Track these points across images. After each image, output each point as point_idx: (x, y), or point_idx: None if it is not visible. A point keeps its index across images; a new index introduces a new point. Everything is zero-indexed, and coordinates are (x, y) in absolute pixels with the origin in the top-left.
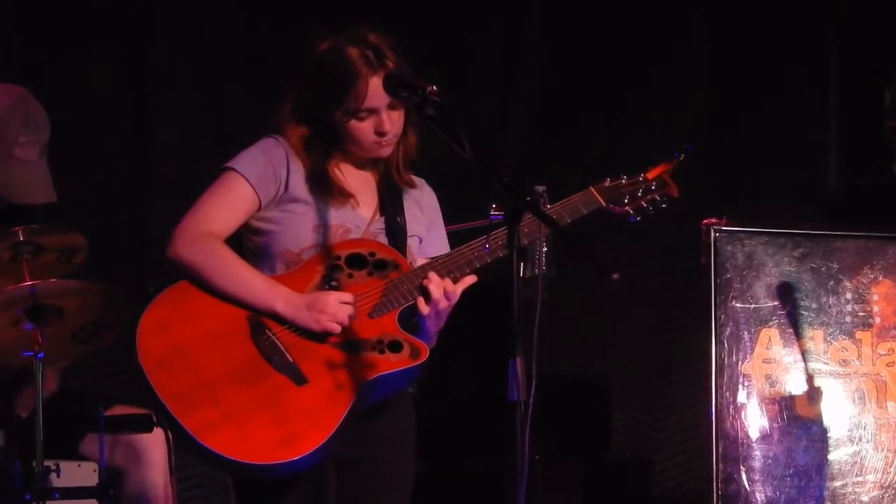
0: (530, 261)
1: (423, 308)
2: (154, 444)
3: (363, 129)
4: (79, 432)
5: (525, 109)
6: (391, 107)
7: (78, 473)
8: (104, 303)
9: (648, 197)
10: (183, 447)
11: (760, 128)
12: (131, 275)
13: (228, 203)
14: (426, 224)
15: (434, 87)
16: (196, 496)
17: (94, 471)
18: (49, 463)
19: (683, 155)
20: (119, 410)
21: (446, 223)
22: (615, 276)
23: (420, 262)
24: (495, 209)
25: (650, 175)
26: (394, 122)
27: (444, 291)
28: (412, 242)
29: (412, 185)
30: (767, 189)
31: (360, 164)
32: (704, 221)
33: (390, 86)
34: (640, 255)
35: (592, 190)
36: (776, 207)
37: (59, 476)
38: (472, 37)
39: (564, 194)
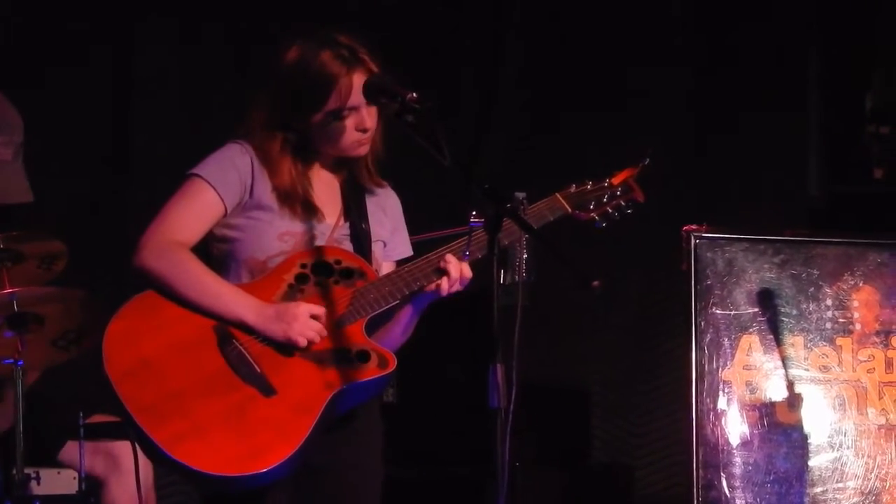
0: (510, 268)
1: (444, 287)
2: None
3: (344, 128)
4: (59, 440)
5: (507, 113)
6: (368, 103)
7: (58, 481)
8: (84, 310)
9: (614, 202)
10: (151, 458)
11: (741, 134)
12: (111, 282)
13: (194, 210)
14: (390, 228)
15: (414, 94)
16: (177, 503)
17: (74, 478)
18: (29, 471)
19: (648, 160)
20: (99, 418)
21: (426, 230)
22: (596, 283)
23: (385, 265)
24: (475, 216)
25: (616, 180)
26: (372, 117)
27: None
28: (376, 247)
29: (381, 186)
30: (748, 195)
31: (328, 169)
32: (685, 228)
33: (370, 93)
34: (621, 262)
35: (558, 196)
36: (757, 214)
37: (39, 484)
38: (453, 40)
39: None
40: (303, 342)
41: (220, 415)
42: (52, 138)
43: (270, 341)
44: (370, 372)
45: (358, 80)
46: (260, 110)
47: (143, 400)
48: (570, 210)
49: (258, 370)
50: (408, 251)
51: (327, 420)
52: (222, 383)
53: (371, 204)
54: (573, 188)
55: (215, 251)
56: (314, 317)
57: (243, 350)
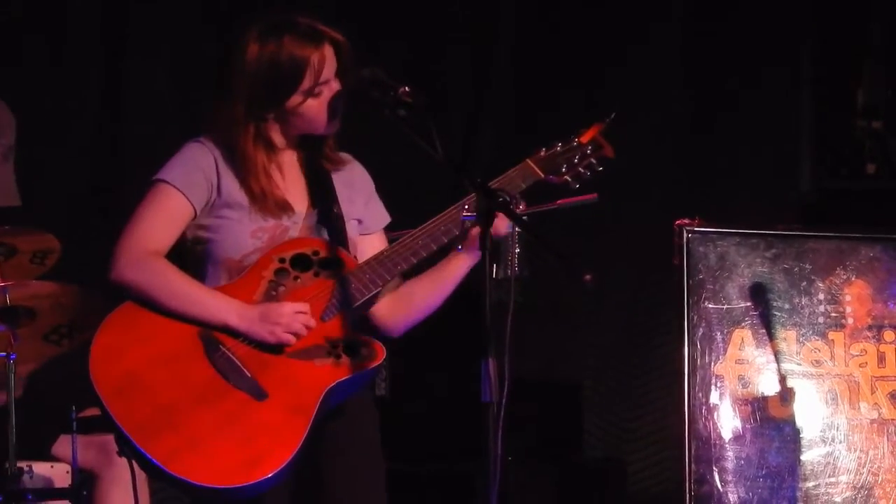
0: (503, 262)
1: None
2: None
3: (320, 104)
4: (51, 434)
5: (497, 99)
6: (336, 76)
7: (51, 475)
8: (76, 304)
9: (585, 161)
10: (150, 475)
11: (734, 129)
12: (103, 277)
13: (164, 217)
14: (363, 202)
15: (406, 88)
16: (170, 496)
17: (67, 472)
18: (22, 464)
19: (614, 114)
20: (92, 412)
21: (411, 226)
22: (588, 276)
23: (364, 241)
24: (467, 209)
25: (584, 139)
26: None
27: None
28: (350, 227)
29: (344, 161)
30: (740, 190)
31: (292, 157)
32: (677, 222)
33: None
34: (613, 256)
35: (529, 162)
36: (749, 208)
37: (31, 477)
38: (445, 19)
39: None
40: (291, 339)
41: (213, 424)
42: (45, 134)
43: (257, 343)
44: (360, 365)
45: (327, 52)
46: (229, 106)
47: (135, 417)
48: (542, 175)
49: (248, 374)
50: (386, 218)
51: (322, 416)
52: (213, 391)
53: (338, 182)
54: (543, 152)
55: (190, 255)
56: (299, 313)
57: (231, 354)
